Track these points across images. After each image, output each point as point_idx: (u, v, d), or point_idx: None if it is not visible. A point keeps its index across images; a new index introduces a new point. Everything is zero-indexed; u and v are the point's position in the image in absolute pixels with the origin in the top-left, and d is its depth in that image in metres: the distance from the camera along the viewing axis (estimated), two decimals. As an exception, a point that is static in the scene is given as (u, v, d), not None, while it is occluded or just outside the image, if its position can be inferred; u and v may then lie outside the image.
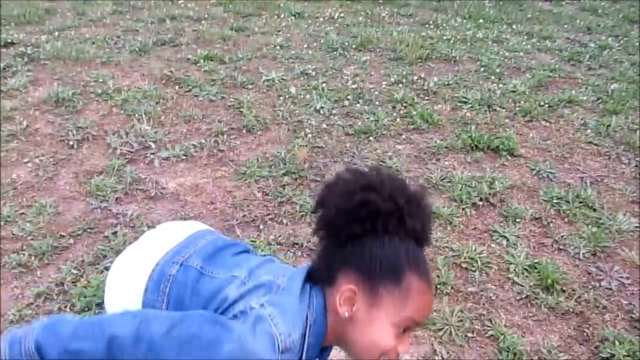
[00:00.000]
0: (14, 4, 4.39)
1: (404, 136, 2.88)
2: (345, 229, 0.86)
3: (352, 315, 0.86)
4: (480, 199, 2.40)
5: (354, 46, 3.95)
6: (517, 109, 3.22)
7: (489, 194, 2.43)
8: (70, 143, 2.65)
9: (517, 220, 2.29)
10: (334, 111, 3.06)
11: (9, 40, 3.69)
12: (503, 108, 3.23)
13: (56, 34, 3.89)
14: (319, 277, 0.90)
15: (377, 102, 3.19)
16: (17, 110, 2.89)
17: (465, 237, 2.19)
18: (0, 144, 2.59)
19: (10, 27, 3.96)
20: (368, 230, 0.85)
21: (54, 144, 2.65)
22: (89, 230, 2.11)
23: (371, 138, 2.82)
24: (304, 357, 0.85)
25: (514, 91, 3.42)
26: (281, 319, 0.80)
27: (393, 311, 0.85)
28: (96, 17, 4.25)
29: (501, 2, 5.17)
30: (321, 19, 4.50)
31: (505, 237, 2.19)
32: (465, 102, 3.26)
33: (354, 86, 3.35)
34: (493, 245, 2.16)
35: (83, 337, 0.73)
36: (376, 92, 3.31)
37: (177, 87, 3.22)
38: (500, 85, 3.50)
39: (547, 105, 3.27)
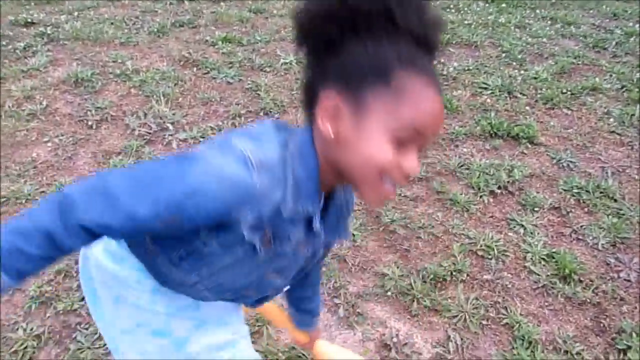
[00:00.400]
0: (34, -16, 4.42)
1: (422, 122, 2.84)
2: (321, 35, 0.72)
3: (338, 132, 0.72)
4: (499, 187, 2.37)
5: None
6: (538, 96, 3.16)
7: (508, 182, 2.40)
8: (89, 123, 2.67)
9: (536, 209, 2.26)
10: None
11: (29, 20, 3.72)
12: (524, 95, 3.18)
13: (75, 14, 3.90)
14: (303, 103, 0.79)
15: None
16: (37, 89, 2.92)
17: (482, 224, 2.17)
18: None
19: (30, 7, 3.99)
20: (347, 33, 0.71)
21: (73, 124, 2.67)
22: (107, 209, 2.13)
23: (389, 123, 2.80)
24: (301, 195, 0.75)
25: (535, 78, 3.36)
26: (249, 142, 0.72)
27: (384, 116, 0.70)
28: (115, -3, 4.25)
29: (525, -14, 5.05)
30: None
31: (523, 225, 2.17)
32: (485, 88, 3.21)
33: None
34: (510, 233, 2.14)
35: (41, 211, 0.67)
36: (395, 77, 3.27)
37: (195, 69, 3.22)
38: (522, 72, 3.44)
39: (569, 93, 3.20)
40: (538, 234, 2.13)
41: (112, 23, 3.76)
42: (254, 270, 0.82)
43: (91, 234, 0.67)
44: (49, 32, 3.55)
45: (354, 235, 2.01)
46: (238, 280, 0.84)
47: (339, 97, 0.72)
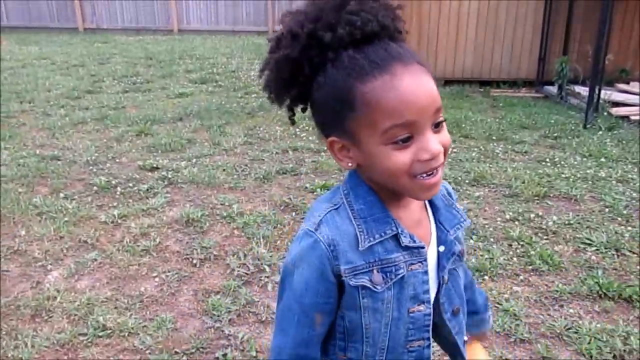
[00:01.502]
0: (163, 134, 5.09)
1: (521, 277, 2.73)
2: (288, 96, 0.84)
3: (356, 162, 0.83)
4: (614, 356, 2.14)
5: (467, 181, 3.97)
6: (651, 255, 2.95)
7: (624, 350, 2.17)
8: (194, 261, 2.85)
9: (661, 386, 1.99)
10: (445, 246, 3.01)
11: (154, 165, 4.22)
12: (634, 253, 2.97)
13: (194, 160, 4.39)
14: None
15: (492, 239, 3.11)
16: (153, 227, 3.22)
17: (597, 400, 1.93)
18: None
19: (157, 154, 4.55)
20: (306, 85, 0.81)
21: (179, 261, 2.87)
22: (201, 349, 2.18)
23: (486, 277, 2.71)
24: (370, 223, 0.84)
25: (646, 235, 3.16)
26: (305, 223, 0.87)
27: (370, 132, 0.77)
28: (229, 146, 4.75)
29: (624, 142, 4.98)
30: (434, 154, 4.63)
31: (647, 406, 1.90)
32: (589, 244, 3.05)
33: (466, 221, 3.31)
34: (632, 414, 1.88)
35: None
36: (491, 229, 3.23)
37: (294, 214, 3.41)
38: (629, 228, 3.26)
39: (687, 254, 2.95)
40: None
41: (224, 169, 4.17)
42: (394, 310, 0.87)
43: None
44: (169, 176, 3.99)
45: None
46: (391, 331, 0.89)
47: (337, 138, 0.82)
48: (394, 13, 0.81)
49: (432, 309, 0.92)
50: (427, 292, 0.90)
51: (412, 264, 0.86)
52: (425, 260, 0.88)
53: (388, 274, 0.84)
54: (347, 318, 0.87)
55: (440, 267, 0.92)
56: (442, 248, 0.91)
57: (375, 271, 0.83)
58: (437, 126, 0.79)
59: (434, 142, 0.77)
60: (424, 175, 0.78)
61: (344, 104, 0.77)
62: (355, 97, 0.76)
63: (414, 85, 0.75)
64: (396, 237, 0.85)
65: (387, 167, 0.78)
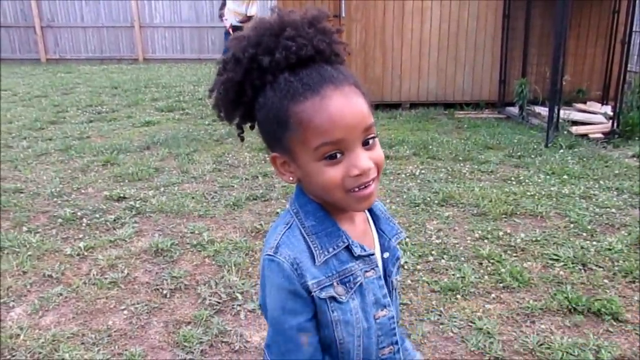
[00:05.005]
0: (130, 163, 5.01)
1: (493, 295, 2.76)
2: (235, 115, 0.89)
3: (296, 177, 0.88)
4: (586, 370, 2.17)
5: (436, 202, 4.03)
6: (616, 268, 3.03)
7: (595, 364, 2.20)
8: (164, 292, 2.78)
9: (633, 397, 2.03)
10: (418, 266, 3.04)
11: (122, 195, 4.14)
12: (600, 267, 3.05)
13: (162, 189, 4.32)
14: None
15: (462, 258, 3.14)
16: (121, 258, 3.13)
17: (573, 414, 1.95)
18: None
19: (124, 184, 4.47)
20: (247, 102, 0.86)
21: (149, 293, 2.79)
22: (173, 382, 2.11)
23: (458, 296, 2.73)
24: (322, 237, 0.88)
25: (610, 249, 3.25)
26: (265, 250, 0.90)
27: (303, 149, 0.82)
28: (197, 174, 4.71)
29: (584, 159, 5.15)
30: (403, 175, 4.69)
31: (621, 417, 1.93)
32: (557, 260, 3.12)
33: (437, 241, 3.35)
34: None
35: None
36: (461, 248, 3.27)
37: (264, 240, 3.37)
38: (594, 243, 3.35)
39: (650, 265, 3.04)
40: None
41: (193, 197, 4.12)
42: (363, 321, 0.90)
43: None
44: (137, 205, 3.91)
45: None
46: (364, 343, 0.92)
47: (278, 154, 0.87)
48: (331, 38, 0.85)
49: (394, 313, 0.97)
50: (386, 295, 0.94)
51: (367, 271, 0.91)
52: (377, 266, 0.94)
53: (347, 284, 0.89)
54: (321, 334, 0.90)
55: (387, 272, 0.97)
56: (386, 254, 0.97)
57: (335, 283, 0.88)
58: (367, 143, 0.84)
59: (364, 158, 0.82)
60: (356, 189, 0.83)
61: (280, 124, 0.83)
62: (290, 117, 0.81)
63: (342, 106, 0.80)
64: (348, 248, 0.89)
65: (321, 182, 0.83)
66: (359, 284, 0.90)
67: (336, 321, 0.88)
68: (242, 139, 0.95)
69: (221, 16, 8.27)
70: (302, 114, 0.80)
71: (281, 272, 0.85)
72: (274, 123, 0.84)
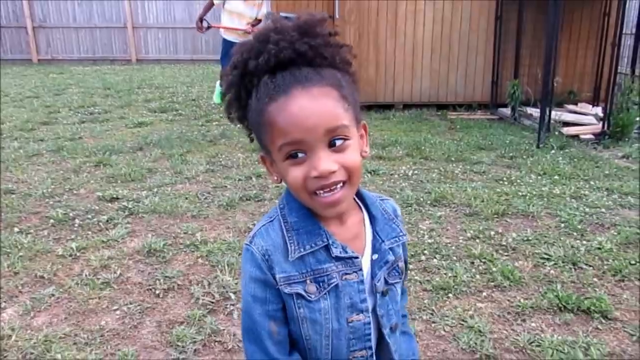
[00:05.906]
0: (122, 164, 5.00)
1: (484, 293, 2.78)
2: (232, 111, 0.92)
3: (279, 176, 0.90)
4: (576, 367, 2.19)
5: (428, 202, 4.05)
6: (605, 267, 3.06)
7: (585, 361, 2.23)
8: (157, 292, 2.78)
9: (622, 394, 2.05)
10: (410, 266, 3.05)
11: (114, 196, 4.13)
12: (590, 266, 3.08)
13: (155, 190, 4.32)
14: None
15: (454, 257, 3.16)
16: (114, 259, 3.13)
17: (562, 411, 1.97)
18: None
19: (117, 185, 4.46)
20: (244, 104, 0.89)
21: (142, 293, 2.79)
22: (166, 382, 2.12)
23: (450, 295, 2.75)
24: (302, 235, 0.89)
25: (599, 248, 3.28)
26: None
27: (274, 149, 0.85)
28: (191, 175, 4.70)
29: (575, 160, 5.20)
30: (396, 176, 4.71)
31: (610, 414, 1.95)
32: (547, 259, 3.15)
33: (430, 241, 3.37)
34: (596, 423, 1.92)
35: None
36: (453, 247, 3.29)
37: (258, 240, 3.38)
38: (584, 242, 3.38)
39: (639, 265, 3.08)
40: None
41: (186, 198, 4.11)
42: (334, 321, 0.91)
43: None
44: (130, 206, 3.91)
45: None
46: (333, 343, 0.92)
47: (265, 154, 0.91)
48: (317, 41, 0.85)
49: (371, 319, 0.95)
50: (364, 300, 0.93)
51: (347, 273, 0.91)
52: (360, 270, 0.92)
53: (321, 284, 0.89)
54: (290, 327, 0.93)
55: (372, 274, 0.95)
56: (375, 256, 0.95)
57: (308, 281, 0.89)
58: (333, 145, 0.83)
59: (325, 160, 0.82)
60: (321, 192, 0.84)
61: (260, 125, 0.86)
62: (264, 117, 0.84)
63: (304, 106, 0.81)
64: (327, 248, 0.90)
65: (289, 182, 0.86)
66: (333, 285, 0.90)
67: (302, 318, 0.90)
68: (252, 140, 0.95)
69: (202, 20, 7.54)
70: (270, 114, 0.83)
71: (253, 261, 0.89)
72: (256, 124, 0.88)
